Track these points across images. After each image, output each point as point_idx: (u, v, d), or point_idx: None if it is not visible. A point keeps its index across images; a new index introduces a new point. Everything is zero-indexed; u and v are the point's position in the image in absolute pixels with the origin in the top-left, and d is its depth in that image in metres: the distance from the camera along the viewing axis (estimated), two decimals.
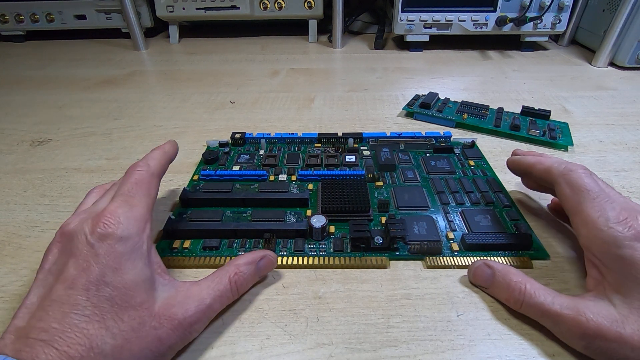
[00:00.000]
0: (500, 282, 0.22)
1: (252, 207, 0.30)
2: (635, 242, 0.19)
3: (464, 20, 0.65)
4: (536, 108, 0.44)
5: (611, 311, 0.19)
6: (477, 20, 0.65)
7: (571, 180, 0.23)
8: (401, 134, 0.39)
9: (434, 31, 0.67)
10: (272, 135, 0.39)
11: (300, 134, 0.39)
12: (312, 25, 0.77)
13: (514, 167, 0.29)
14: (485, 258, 0.25)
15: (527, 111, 0.44)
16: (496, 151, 0.39)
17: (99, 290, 0.18)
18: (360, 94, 0.53)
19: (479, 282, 0.24)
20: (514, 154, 0.30)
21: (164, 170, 0.25)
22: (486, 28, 0.65)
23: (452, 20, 0.65)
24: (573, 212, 0.22)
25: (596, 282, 0.21)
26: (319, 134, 0.39)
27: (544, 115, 0.43)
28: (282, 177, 0.34)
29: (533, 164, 0.26)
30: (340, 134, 0.39)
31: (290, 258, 0.26)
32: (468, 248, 0.26)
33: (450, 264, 0.26)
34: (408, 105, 0.46)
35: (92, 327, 0.17)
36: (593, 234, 0.20)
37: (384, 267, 0.26)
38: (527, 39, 0.67)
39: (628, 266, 0.19)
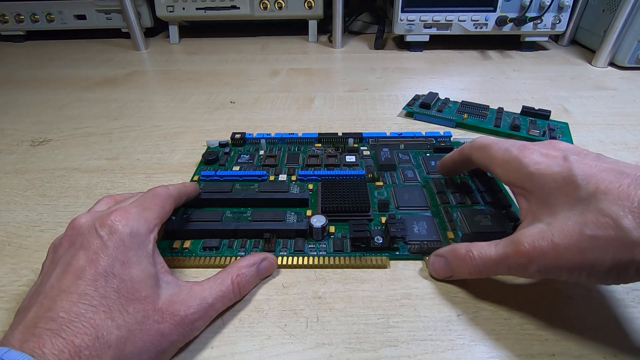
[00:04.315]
0: (453, 261, 0.23)
1: (252, 207, 0.30)
2: (534, 156, 0.22)
3: (464, 20, 0.65)
4: (536, 108, 0.44)
5: (540, 227, 0.20)
6: (477, 20, 0.65)
7: (478, 144, 0.26)
8: (401, 134, 0.39)
9: (434, 31, 0.67)
10: (272, 135, 0.39)
11: (300, 134, 0.39)
12: (312, 25, 0.77)
13: (442, 170, 0.32)
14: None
15: (527, 111, 0.44)
16: None
17: (107, 281, 0.18)
18: (360, 94, 0.53)
19: (442, 275, 0.24)
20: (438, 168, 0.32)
21: (180, 199, 0.26)
22: (486, 28, 0.65)
23: (452, 20, 0.65)
24: (488, 163, 0.25)
25: (526, 212, 0.22)
26: (319, 134, 0.39)
27: (544, 115, 0.43)
28: (282, 177, 0.34)
29: (450, 156, 0.30)
30: (340, 134, 0.39)
31: (290, 258, 0.26)
32: None
33: None
34: (408, 105, 0.46)
35: (99, 317, 0.17)
36: (505, 168, 0.23)
37: (384, 267, 0.26)
38: (527, 39, 0.67)
39: (537, 179, 0.21)
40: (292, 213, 0.30)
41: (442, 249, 0.25)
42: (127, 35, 0.76)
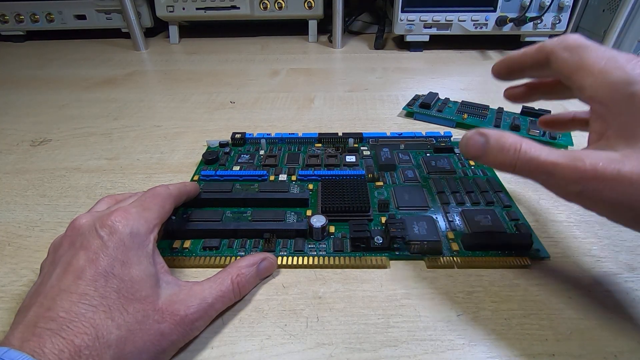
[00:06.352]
0: (493, 147, 0.20)
1: (252, 207, 0.30)
2: None
3: (464, 20, 0.65)
4: (536, 108, 0.44)
5: (611, 154, 0.18)
6: (477, 20, 0.65)
7: (569, 43, 0.21)
8: (401, 134, 0.39)
9: (434, 31, 0.67)
10: (272, 135, 0.39)
11: (300, 134, 0.39)
12: (312, 25, 0.77)
13: (502, 67, 0.27)
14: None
15: (527, 111, 0.44)
16: None
17: (107, 281, 0.18)
18: (360, 94, 0.53)
19: (472, 152, 0.21)
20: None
21: (180, 198, 0.27)
22: (486, 28, 0.65)
23: (452, 20, 0.65)
24: (575, 70, 0.20)
25: (598, 136, 0.20)
26: (319, 134, 0.39)
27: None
28: (282, 177, 0.34)
29: (523, 51, 0.25)
30: (340, 134, 0.39)
31: (290, 258, 0.26)
32: (468, 248, 0.26)
33: (450, 264, 0.25)
34: (408, 105, 0.46)
35: (99, 317, 0.17)
36: (601, 79, 0.19)
37: (384, 267, 0.26)
38: (527, 39, 0.67)
39: (637, 102, 0.18)
40: (292, 213, 0.30)
41: (490, 129, 0.21)
42: (127, 35, 0.76)
